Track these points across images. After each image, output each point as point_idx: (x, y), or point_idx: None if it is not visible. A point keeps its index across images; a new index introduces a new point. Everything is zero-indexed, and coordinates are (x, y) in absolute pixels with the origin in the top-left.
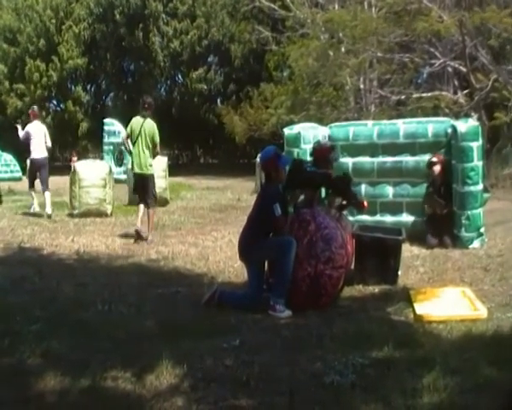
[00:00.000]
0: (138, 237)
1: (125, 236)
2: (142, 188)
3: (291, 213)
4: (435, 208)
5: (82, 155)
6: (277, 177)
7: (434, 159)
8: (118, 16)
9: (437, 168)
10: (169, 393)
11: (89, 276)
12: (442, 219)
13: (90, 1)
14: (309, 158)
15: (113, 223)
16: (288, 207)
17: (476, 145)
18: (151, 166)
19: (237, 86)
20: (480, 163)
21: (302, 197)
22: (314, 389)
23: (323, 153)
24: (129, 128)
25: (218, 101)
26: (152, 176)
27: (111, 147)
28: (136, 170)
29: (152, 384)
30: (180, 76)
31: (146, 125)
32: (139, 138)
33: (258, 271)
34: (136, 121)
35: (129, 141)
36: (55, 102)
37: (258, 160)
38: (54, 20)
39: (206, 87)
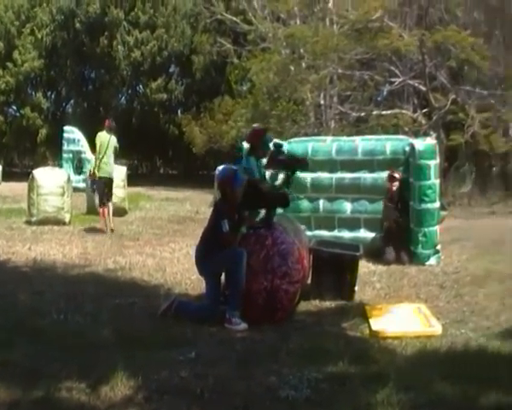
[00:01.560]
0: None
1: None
2: (110, 189)
3: (243, 232)
4: (392, 223)
5: (40, 163)
6: (232, 197)
7: (396, 175)
8: (78, 24)
9: (396, 184)
10: (123, 405)
11: (45, 284)
12: (399, 235)
13: (53, 7)
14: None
15: (70, 232)
16: (241, 225)
17: (433, 163)
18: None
19: (198, 98)
20: (437, 181)
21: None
22: (269, 403)
23: (258, 135)
24: (98, 141)
25: (179, 112)
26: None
27: (70, 155)
28: (106, 175)
29: (106, 396)
30: (141, 86)
31: (111, 140)
32: (108, 150)
33: (214, 283)
34: (104, 136)
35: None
36: (14, 107)
37: (216, 172)
38: (16, 23)
39: (166, 97)
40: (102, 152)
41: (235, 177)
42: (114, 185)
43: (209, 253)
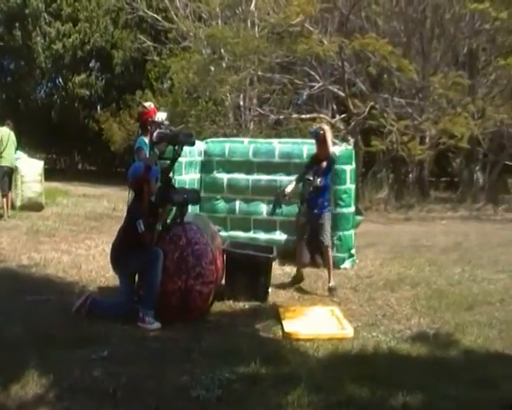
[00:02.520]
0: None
1: None
2: (10, 178)
3: (158, 230)
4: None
5: None
6: (149, 189)
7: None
8: None
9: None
10: (34, 403)
11: None
12: (314, 237)
13: None
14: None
15: None
16: (156, 222)
17: (349, 168)
18: None
19: (118, 94)
20: (353, 186)
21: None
22: (180, 403)
23: (147, 115)
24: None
25: (98, 107)
26: None
27: None
28: (8, 164)
29: (17, 394)
30: (61, 79)
31: (11, 135)
32: (8, 143)
33: (128, 282)
34: (5, 131)
35: None
36: None
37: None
38: None
39: (87, 92)
40: (4, 145)
41: (149, 170)
42: (31, 179)
43: (125, 252)
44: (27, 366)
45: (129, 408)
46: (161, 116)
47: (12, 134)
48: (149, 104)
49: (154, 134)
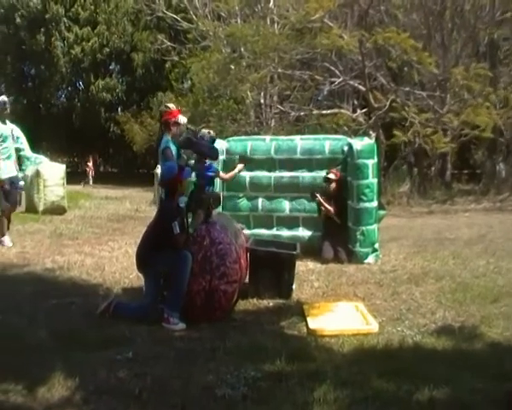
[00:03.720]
0: None
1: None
2: None
3: (190, 233)
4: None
5: None
6: (182, 189)
7: (331, 175)
8: (18, 19)
9: (332, 185)
10: (60, 406)
11: None
12: (337, 233)
13: None
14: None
15: (9, 230)
16: (187, 223)
17: (371, 163)
18: None
19: (139, 96)
20: (375, 180)
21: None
22: (206, 402)
23: (173, 115)
24: None
25: (119, 109)
26: None
27: None
28: None
29: (43, 397)
30: (81, 83)
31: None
32: None
33: (154, 283)
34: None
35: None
36: None
37: (157, 171)
38: None
39: (108, 95)
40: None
41: (183, 171)
42: (53, 183)
43: (153, 252)
44: (53, 368)
45: (155, 409)
46: (183, 120)
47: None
48: (172, 105)
49: (181, 139)
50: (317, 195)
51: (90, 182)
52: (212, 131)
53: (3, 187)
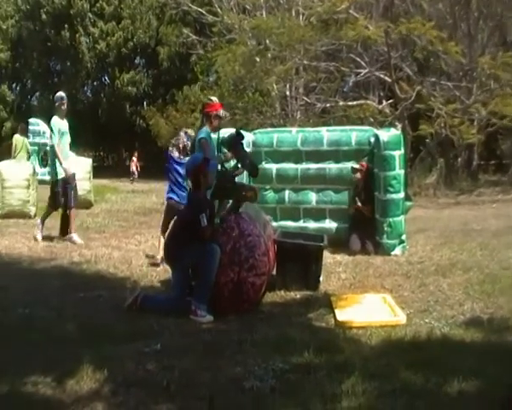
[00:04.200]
0: None
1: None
2: None
3: (217, 224)
4: (358, 211)
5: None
6: (206, 181)
7: (356, 166)
8: (44, 15)
9: (358, 175)
10: (89, 398)
11: (10, 278)
12: (364, 225)
13: None
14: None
15: (36, 225)
16: (214, 215)
17: (398, 154)
18: None
19: (164, 89)
20: (402, 172)
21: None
22: (234, 394)
23: (215, 108)
24: (14, 142)
25: (145, 103)
26: None
27: (36, 147)
28: None
29: (72, 389)
30: (107, 77)
31: (25, 142)
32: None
33: (182, 275)
34: (20, 138)
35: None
36: None
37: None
38: None
39: (133, 89)
40: (17, 152)
41: (207, 162)
42: (80, 177)
43: (181, 245)
44: (81, 361)
45: (183, 401)
46: (224, 113)
47: (26, 140)
48: (215, 98)
49: (228, 138)
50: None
51: (136, 176)
52: (189, 130)
53: (69, 185)
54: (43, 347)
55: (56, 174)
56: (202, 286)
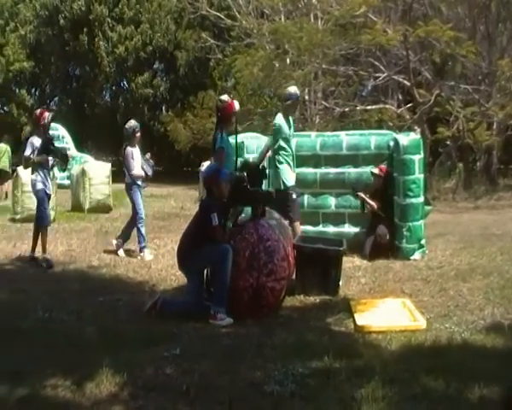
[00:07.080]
0: None
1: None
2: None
3: (229, 228)
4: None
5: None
6: (218, 192)
7: (375, 170)
8: (62, 21)
9: (376, 180)
10: (109, 401)
11: (30, 282)
12: (378, 228)
13: (36, 3)
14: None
15: (55, 229)
16: (227, 220)
17: (418, 158)
18: None
19: (182, 94)
20: (422, 176)
21: (243, 215)
22: (253, 398)
23: (232, 108)
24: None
25: (163, 108)
26: None
27: None
28: None
29: (92, 393)
30: (125, 82)
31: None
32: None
33: (197, 279)
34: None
35: None
36: None
37: (202, 169)
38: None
39: (151, 93)
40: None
41: (219, 172)
42: (99, 182)
43: (193, 249)
44: (101, 364)
45: (203, 405)
46: (237, 106)
47: (8, 149)
48: (226, 96)
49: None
50: (358, 193)
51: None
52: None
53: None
54: (62, 350)
55: None
56: (219, 289)
